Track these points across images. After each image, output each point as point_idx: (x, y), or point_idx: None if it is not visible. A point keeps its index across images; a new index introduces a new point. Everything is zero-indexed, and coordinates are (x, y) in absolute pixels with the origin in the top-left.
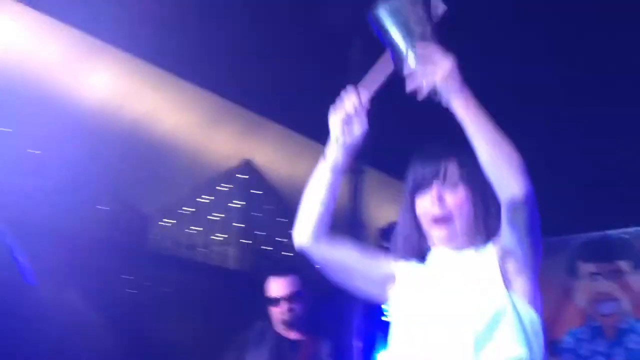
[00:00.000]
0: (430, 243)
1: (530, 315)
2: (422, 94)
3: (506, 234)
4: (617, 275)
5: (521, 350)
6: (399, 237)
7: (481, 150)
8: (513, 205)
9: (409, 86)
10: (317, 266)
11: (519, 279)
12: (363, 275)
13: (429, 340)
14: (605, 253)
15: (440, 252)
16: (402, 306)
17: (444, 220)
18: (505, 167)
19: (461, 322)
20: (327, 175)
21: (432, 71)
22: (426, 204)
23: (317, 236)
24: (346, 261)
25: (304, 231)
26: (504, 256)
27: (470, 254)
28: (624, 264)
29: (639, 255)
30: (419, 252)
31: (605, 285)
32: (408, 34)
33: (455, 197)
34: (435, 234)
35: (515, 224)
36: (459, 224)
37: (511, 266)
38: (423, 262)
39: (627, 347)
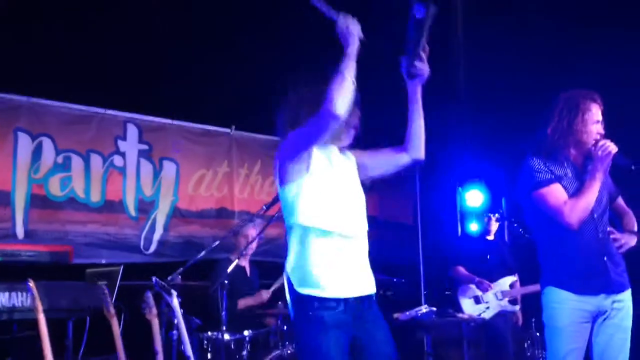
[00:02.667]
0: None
1: None
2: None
3: (385, 168)
4: None
5: None
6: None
7: (419, 125)
8: (413, 163)
9: (414, 70)
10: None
11: None
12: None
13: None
14: None
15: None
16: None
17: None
18: (424, 140)
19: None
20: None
21: (425, 66)
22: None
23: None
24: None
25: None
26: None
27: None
28: None
29: None
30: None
31: None
32: (421, 37)
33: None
34: (344, 136)
35: (396, 170)
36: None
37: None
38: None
39: None
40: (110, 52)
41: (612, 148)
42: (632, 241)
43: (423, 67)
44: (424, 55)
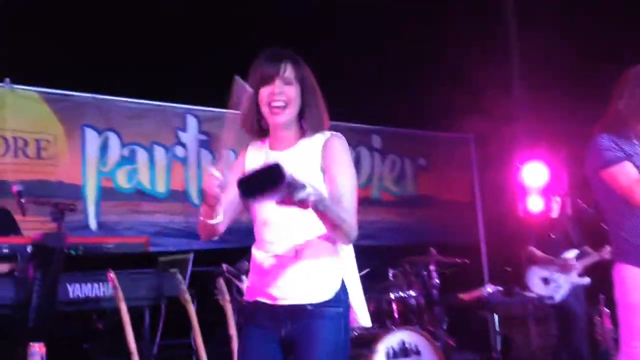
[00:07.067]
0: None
1: None
2: None
3: None
4: None
5: None
6: (243, 117)
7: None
8: None
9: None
10: None
11: None
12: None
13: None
14: None
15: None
16: None
17: (280, 109)
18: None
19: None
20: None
21: None
22: (267, 94)
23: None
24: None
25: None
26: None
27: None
28: None
29: None
30: (257, 130)
31: None
32: None
33: (290, 91)
34: (273, 119)
35: None
36: (291, 112)
37: None
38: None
39: None
40: (168, 50)
41: None
42: None
43: None
44: None
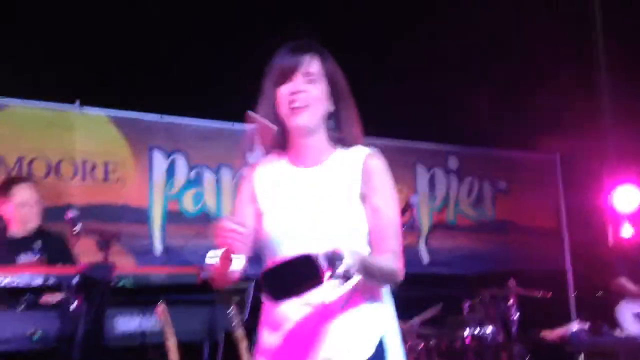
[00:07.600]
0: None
1: None
2: None
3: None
4: None
5: None
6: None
7: None
8: None
9: None
10: None
11: None
12: None
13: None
14: None
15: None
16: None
17: (301, 109)
18: None
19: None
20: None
21: None
22: (287, 93)
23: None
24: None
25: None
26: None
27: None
28: None
29: None
30: (276, 141)
31: None
32: None
33: (314, 90)
34: (293, 121)
35: None
36: (315, 114)
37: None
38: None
39: None
40: (236, 69)
41: None
42: None
43: None
44: None
